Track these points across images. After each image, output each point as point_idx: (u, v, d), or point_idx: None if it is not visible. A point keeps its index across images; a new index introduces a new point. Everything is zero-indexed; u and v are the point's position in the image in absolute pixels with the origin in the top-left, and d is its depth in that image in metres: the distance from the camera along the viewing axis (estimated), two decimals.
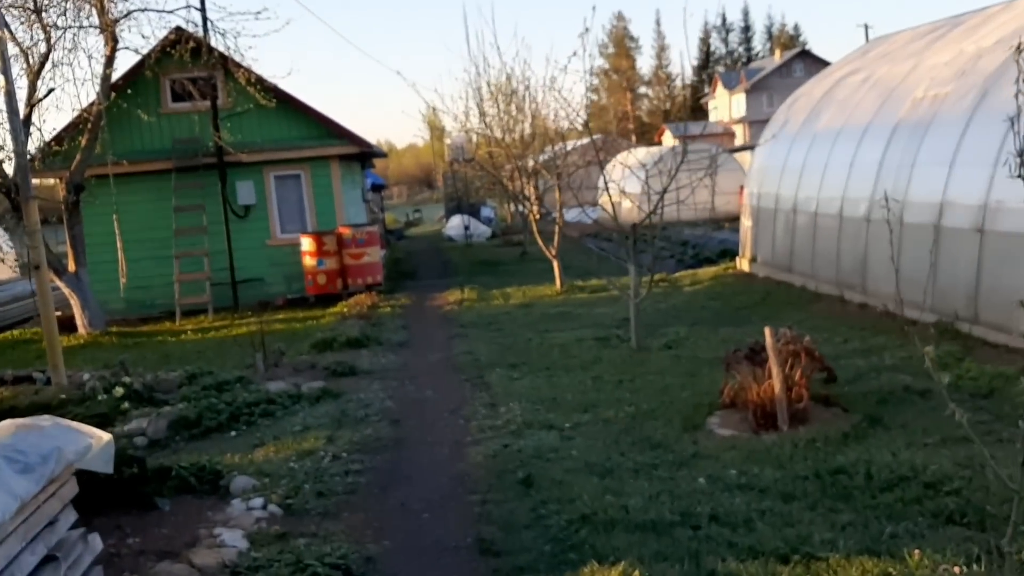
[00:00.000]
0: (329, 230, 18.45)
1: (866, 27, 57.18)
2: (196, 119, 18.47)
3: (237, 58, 17.39)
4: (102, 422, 8.65)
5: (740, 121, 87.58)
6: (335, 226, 18.67)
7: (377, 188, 41.35)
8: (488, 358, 10.52)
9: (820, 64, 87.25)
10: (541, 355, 10.40)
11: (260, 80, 17.51)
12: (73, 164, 16.29)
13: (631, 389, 8.30)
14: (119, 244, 16.64)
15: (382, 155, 24.22)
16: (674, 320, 12.56)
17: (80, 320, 16.08)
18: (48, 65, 15.39)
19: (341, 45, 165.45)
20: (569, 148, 28.83)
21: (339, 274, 18.18)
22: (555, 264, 16.71)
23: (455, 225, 32.83)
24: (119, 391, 9.28)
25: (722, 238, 23.34)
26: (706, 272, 17.47)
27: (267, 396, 9.01)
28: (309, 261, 18.12)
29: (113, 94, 17.39)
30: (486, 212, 38.06)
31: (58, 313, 17.16)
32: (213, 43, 17.47)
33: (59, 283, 15.94)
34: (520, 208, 21.91)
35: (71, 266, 16.10)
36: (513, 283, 19.08)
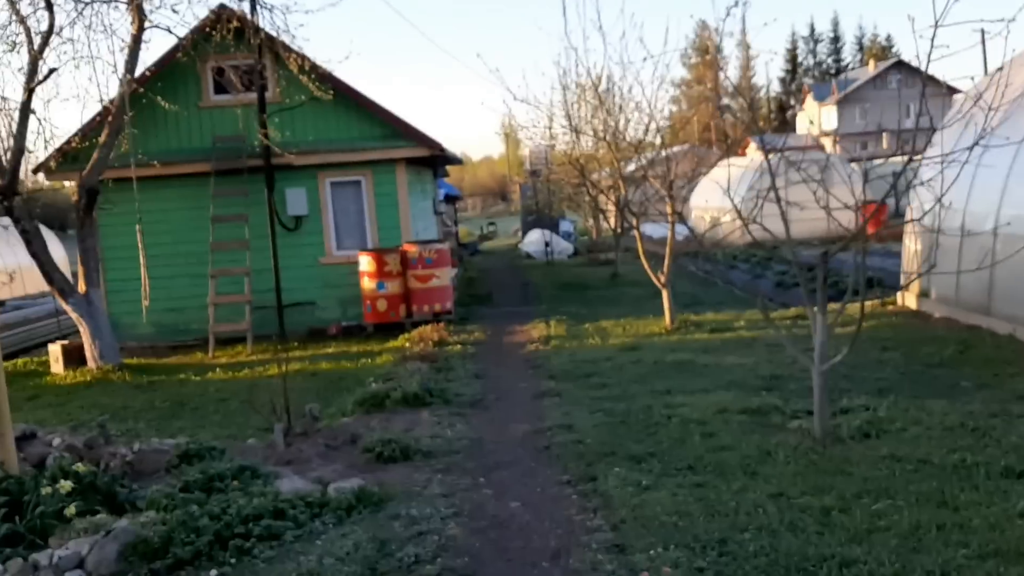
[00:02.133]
0: (392, 247, 15.54)
1: (983, 32, 52.55)
2: (240, 114, 15.74)
3: (287, 39, 14.63)
4: (30, 538, 5.82)
5: (830, 134, 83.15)
6: (400, 242, 15.76)
7: (451, 199, 38.64)
8: (596, 439, 7.37)
9: (917, 75, 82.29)
10: (673, 439, 7.21)
11: (314, 68, 14.74)
12: (89, 164, 13.66)
13: (851, 533, 5.03)
14: (142, 260, 13.94)
15: (457, 161, 21.34)
16: (848, 381, 9.26)
17: (89, 352, 13.40)
18: (56, 41, 12.79)
19: (407, 40, 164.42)
20: (650, 159, 25.61)
21: (402, 299, 15.25)
22: (664, 294, 13.48)
23: (534, 240, 29.78)
24: (65, 486, 6.36)
25: (845, 260, 19.77)
26: (854, 308, 13.99)
27: (275, 504, 5.99)
28: (368, 283, 15.23)
29: (142, 83, 14.79)
30: (565, 226, 34.96)
31: (64, 341, 14.61)
32: (260, 21, 14.74)
33: (65, 306, 13.30)
34: (623, 222, 18.76)
35: (81, 286, 13.43)
36: (607, 313, 15.92)
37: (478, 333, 14.10)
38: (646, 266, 13.78)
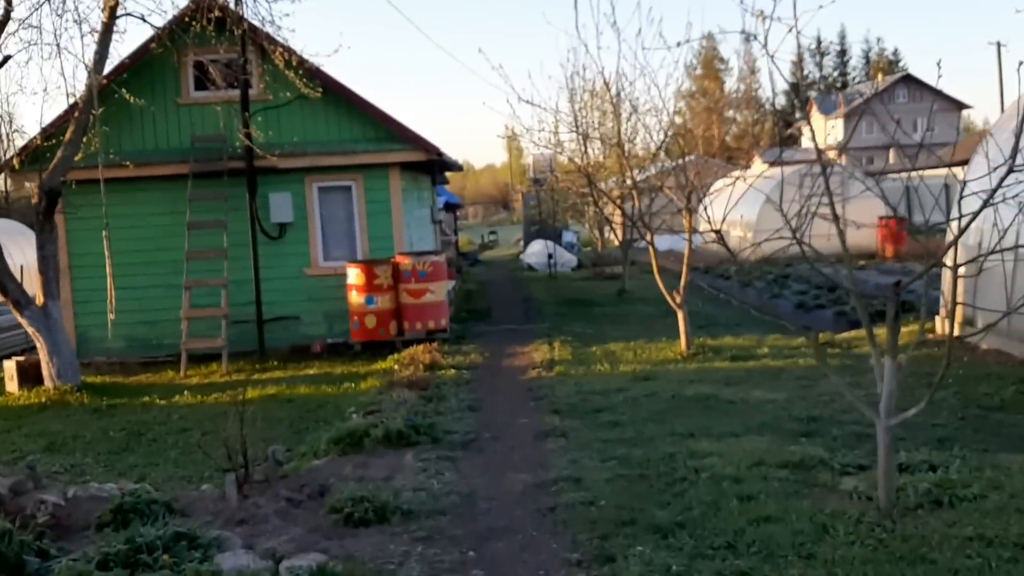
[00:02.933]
0: (384, 259, 14.31)
1: (998, 45, 51.63)
2: (221, 112, 14.53)
3: (272, 31, 13.44)
4: None
5: (835, 148, 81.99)
6: (392, 253, 14.54)
7: (451, 207, 37.45)
8: (612, 499, 6.13)
9: (925, 89, 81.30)
10: (704, 503, 5.97)
11: (302, 62, 13.54)
12: (52, 163, 12.45)
13: None
14: (108, 269, 12.70)
15: (457, 167, 20.15)
16: (901, 427, 7.97)
17: (46, 370, 12.14)
18: (12, 27, 11.59)
19: (405, 39, 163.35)
20: (662, 167, 24.45)
21: (393, 315, 14.01)
22: (680, 315, 12.24)
23: (536, 252, 28.55)
24: None
25: (875, 282, 18.51)
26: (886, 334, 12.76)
27: None
28: (356, 298, 14.00)
29: (115, 77, 13.63)
30: (568, 237, 33.76)
31: (21, 357, 13.36)
32: (243, 11, 13.56)
33: (21, 320, 12.07)
34: (633, 234, 17.55)
35: (39, 297, 12.20)
36: (615, 333, 14.70)
37: (474, 355, 12.86)
38: (660, 284, 12.55)
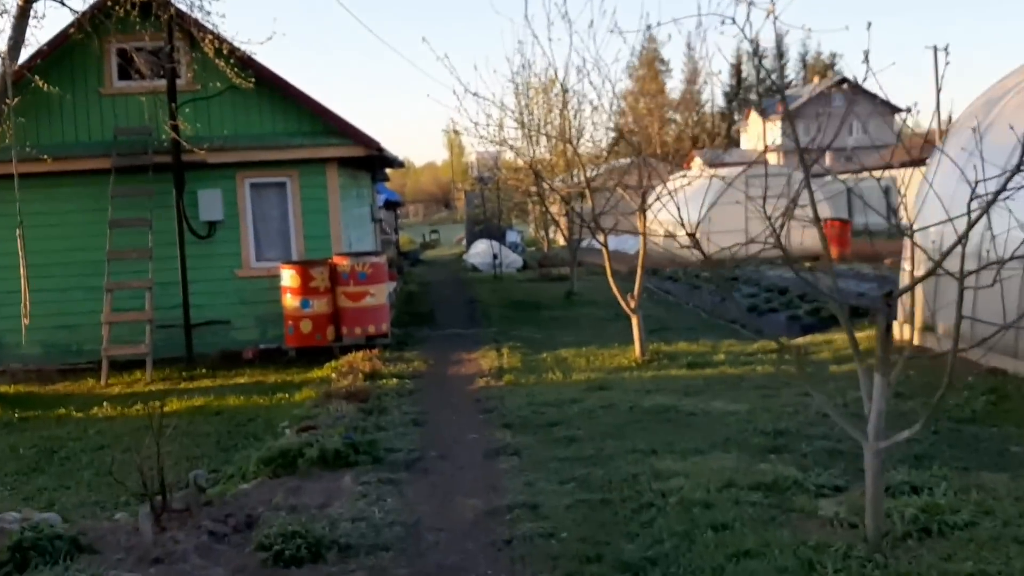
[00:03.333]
0: (320, 260, 13.55)
1: (935, 49, 52.29)
2: (147, 103, 13.65)
3: (201, 17, 12.61)
4: None
5: (775, 150, 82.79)
6: (329, 254, 13.78)
7: (392, 205, 36.64)
8: (574, 530, 5.53)
9: (862, 93, 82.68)
10: (676, 533, 5.39)
11: (233, 51, 12.76)
12: None
13: None
14: (22, 270, 11.77)
15: (398, 164, 19.41)
16: None
17: None
18: None
19: (342, 30, 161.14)
20: (612, 166, 24.07)
21: (330, 320, 13.27)
22: (634, 321, 11.71)
23: (480, 252, 27.91)
24: None
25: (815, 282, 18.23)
26: (844, 340, 12.39)
27: None
28: (291, 301, 13.22)
29: (32, 65, 12.68)
30: (512, 237, 33.17)
31: None
32: None
33: None
34: (580, 234, 17.03)
35: None
36: (565, 337, 14.15)
37: (418, 362, 12.18)
38: (614, 287, 12.00)
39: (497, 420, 8.82)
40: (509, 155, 23.04)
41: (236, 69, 12.93)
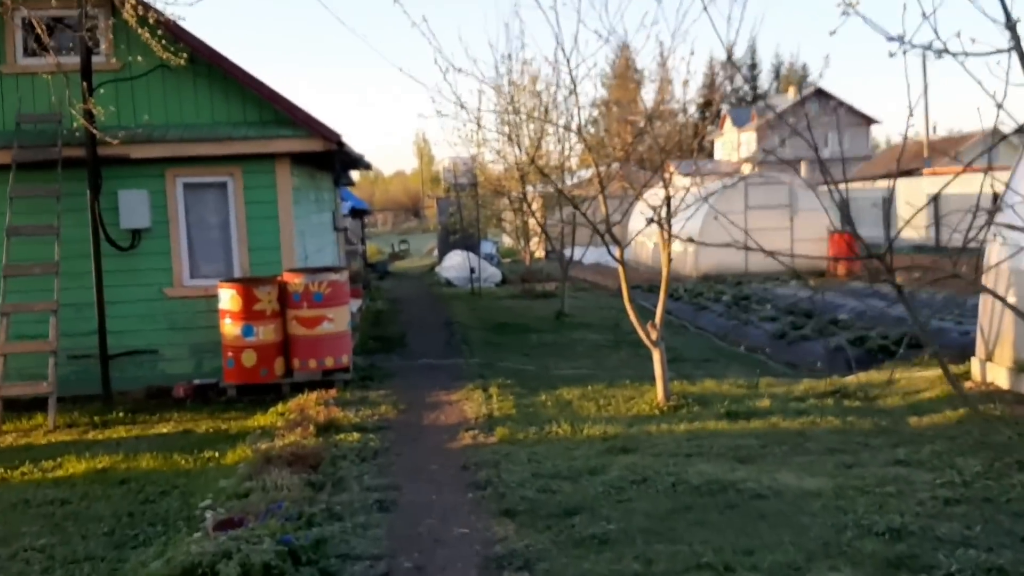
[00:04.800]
0: (268, 277, 11.14)
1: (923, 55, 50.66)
2: (57, 85, 11.17)
3: None
4: None
5: (749, 160, 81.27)
6: (280, 269, 11.36)
7: (359, 213, 34.17)
8: None
9: (836, 103, 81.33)
10: None
11: (162, 22, 10.36)
12: None
13: None
14: None
15: (364, 164, 17.00)
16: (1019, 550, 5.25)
17: None
18: None
19: (309, 26, 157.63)
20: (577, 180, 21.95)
21: (278, 351, 10.85)
22: (657, 356, 9.37)
23: (455, 265, 25.51)
24: None
25: (851, 306, 16.02)
26: (909, 379, 10.17)
27: None
28: (230, 328, 10.78)
29: None
30: (487, 248, 30.81)
31: None
32: None
33: None
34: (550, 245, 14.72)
35: None
36: (562, 369, 11.86)
37: (386, 406, 9.76)
38: (632, 315, 9.63)
39: (494, 502, 6.45)
40: (488, 156, 20.80)
41: (165, 43, 10.53)
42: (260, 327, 10.70)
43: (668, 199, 9.29)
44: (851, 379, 10.36)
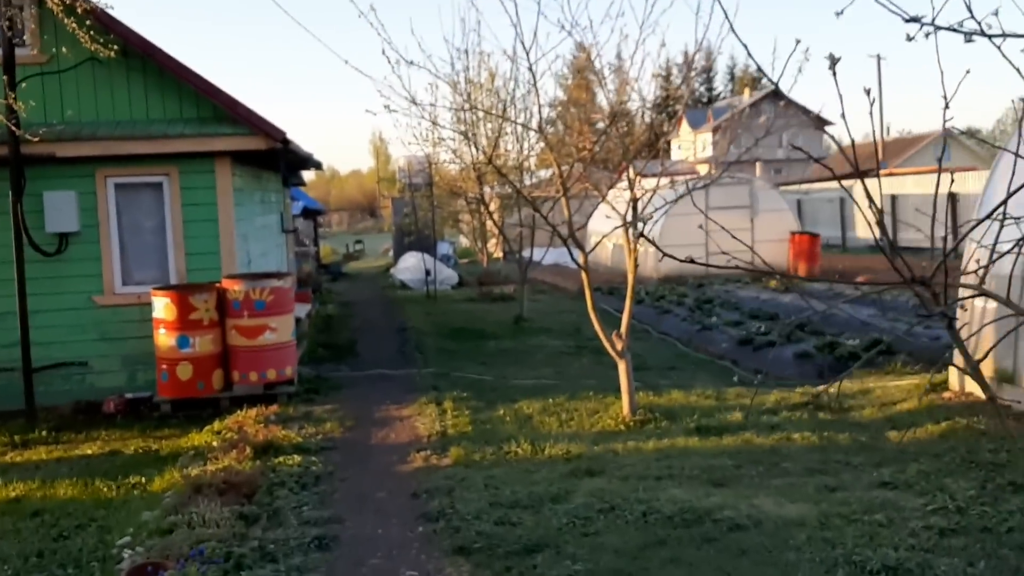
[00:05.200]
0: (206, 284, 10.40)
1: (878, 58, 50.97)
2: None
3: None
4: None
5: (706, 162, 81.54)
6: (219, 276, 10.62)
7: (311, 213, 33.35)
8: None
9: (791, 105, 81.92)
10: None
11: (89, 10, 9.61)
12: None
13: None
14: None
15: (314, 164, 16.26)
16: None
17: None
18: None
19: (260, 25, 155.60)
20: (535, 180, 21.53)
21: (217, 363, 10.12)
22: (622, 368, 8.79)
23: (410, 267, 24.79)
24: None
25: (805, 307, 15.56)
26: (884, 389, 9.71)
27: None
28: (165, 338, 10.03)
29: None
30: (444, 249, 30.15)
31: None
32: None
33: None
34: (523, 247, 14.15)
35: None
36: (521, 379, 11.26)
37: (331, 423, 9.08)
38: (596, 323, 9.03)
39: (447, 538, 5.82)
40: (444, 156, 20.13)
41: (93, 33, 9.77)
42: (197, 337, 9.96)
43: (635, 201, 8.72)
44: (824, 389, 9.87)
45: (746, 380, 11.33)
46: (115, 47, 10.05)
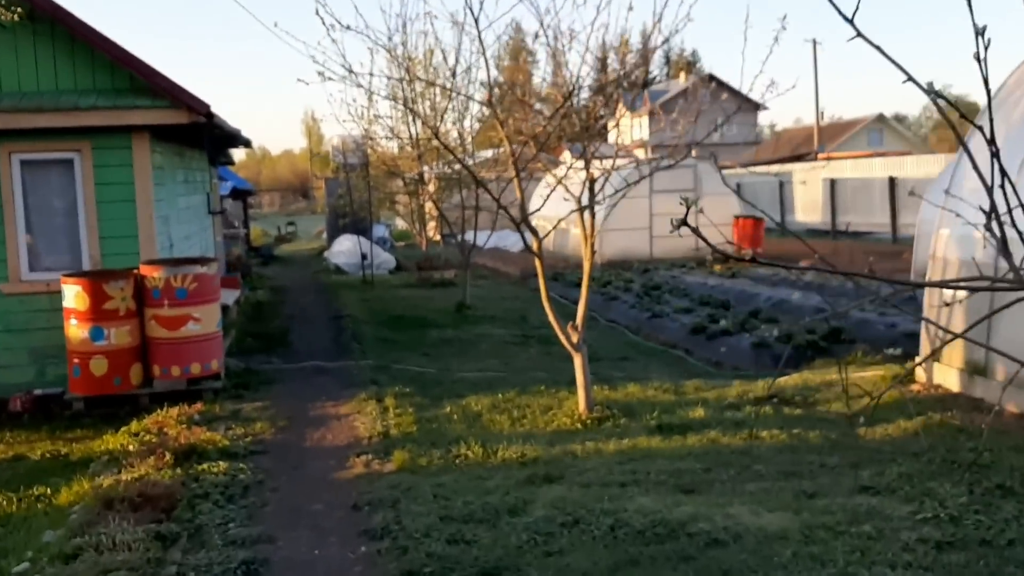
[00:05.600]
0: (122, 270, 9.53)
1: (814, 43, 51.18)
2: None
3: None
4: None
5: (642, 145, 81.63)
6: (137, 261, 9.74)
7: (241, 194, 32.16)
8: None
9: (725, 89, 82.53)
10: None
11: None
12: None
13: None
14: None
15: (243, 141, 15.35)
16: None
17: None
18: None
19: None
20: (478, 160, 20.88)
21: (135, 356, 9.28)
22: (578, 362, 8.18)
23: (346, 250, 23.90)
24: None
25: (766, 295, 15.24)
26: (849, 380, 9.27)
27: None
28: (77, 330, 9.15)
29: None
30: (379, 231, 29.29)
31: None
32: None
33: None
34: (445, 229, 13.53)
35: None
36: (466, 370, 10.65)
37: (262, 423, 8.33)
38: (552, 316, 8.40)
39: (393, 560, 5.16)
40: (381, 133, 19.33)
41: None
42: (112, 329, 9.09)
43: (592, 182, 8.12)
44: (785, 381, 9.42)
45: (702, 371, 10.87)
46: (19, 10, 9.10)
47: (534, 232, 8.20)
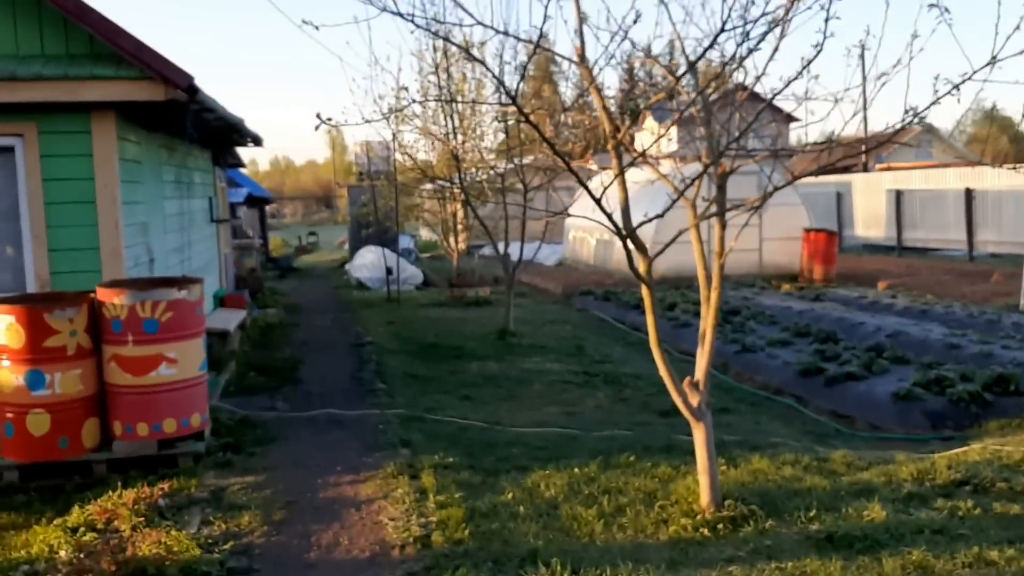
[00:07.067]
0: (71, 293, 7.18)
1: (862, 47, 48.40)
2: None
3: None
4: None
5: (670, 156, 79.31)
6: (94, 282, 7.39)
7: (259, 202, 30.02)
8: None
9: (759, 101, 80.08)
10: None
11: None
12: None
13: None
14: None
15: (250, 135, 13.04)
16: None
17: None
18: None
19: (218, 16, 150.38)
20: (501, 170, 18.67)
21: (88, 410, 6.93)
22: (700, 437, 5.70)
23: (369, 263, 21.56)
24: None
25: (873, 323, 12.72)
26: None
27: None
28: (9, 375, 6.80)
29: None
30: (405, 242, 26.95)
31: None
32: None
33: None
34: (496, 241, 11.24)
35: None
36: (520, 422, 8.17)
37: (251, 515, 5.91)
38: (664, 370, 5.86)
39: None
40: (409, 137, 17.10)
41: None
42: (56, 374, 6.74)
43: (725, 175, 5.71)
44: (963, 454, 6.92)
45: (830, 430, 8.40)
46: None
47: (643, 250, 5.77)
